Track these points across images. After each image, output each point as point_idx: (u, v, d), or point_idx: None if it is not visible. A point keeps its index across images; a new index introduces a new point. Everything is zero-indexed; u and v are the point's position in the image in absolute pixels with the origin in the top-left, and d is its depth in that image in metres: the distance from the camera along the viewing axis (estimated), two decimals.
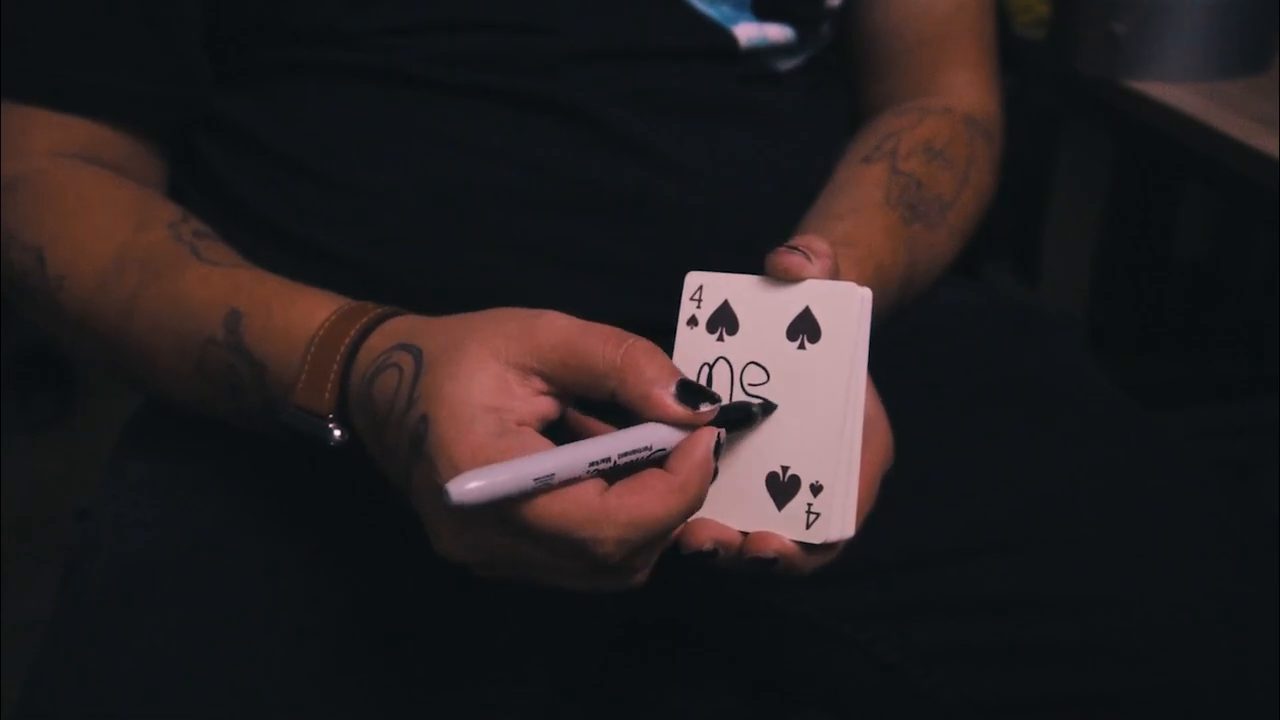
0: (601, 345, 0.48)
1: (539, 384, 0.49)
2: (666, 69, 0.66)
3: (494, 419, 0.47)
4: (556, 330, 0.49)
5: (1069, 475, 0.69)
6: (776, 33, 0.69)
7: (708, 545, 0.51)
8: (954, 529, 0.68)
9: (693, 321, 0.54)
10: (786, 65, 0.71)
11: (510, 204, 0.63)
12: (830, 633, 0.69)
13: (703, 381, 0.53)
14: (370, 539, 0.65)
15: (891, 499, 0.56)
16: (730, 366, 0.53)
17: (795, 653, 0.73)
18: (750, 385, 0.52)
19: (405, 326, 0.54)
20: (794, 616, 0.70)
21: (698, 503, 0.48)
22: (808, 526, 0.50)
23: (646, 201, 0.64)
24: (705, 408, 0.48)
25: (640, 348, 0.48)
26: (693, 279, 0.54)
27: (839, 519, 0.51)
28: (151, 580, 0.63)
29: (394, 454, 0.51)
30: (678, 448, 0.48)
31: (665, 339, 0.61)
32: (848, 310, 0.51)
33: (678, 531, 0.51)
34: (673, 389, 0.48)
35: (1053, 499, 0.68)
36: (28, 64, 0.66)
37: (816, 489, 0.50)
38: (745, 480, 0.52)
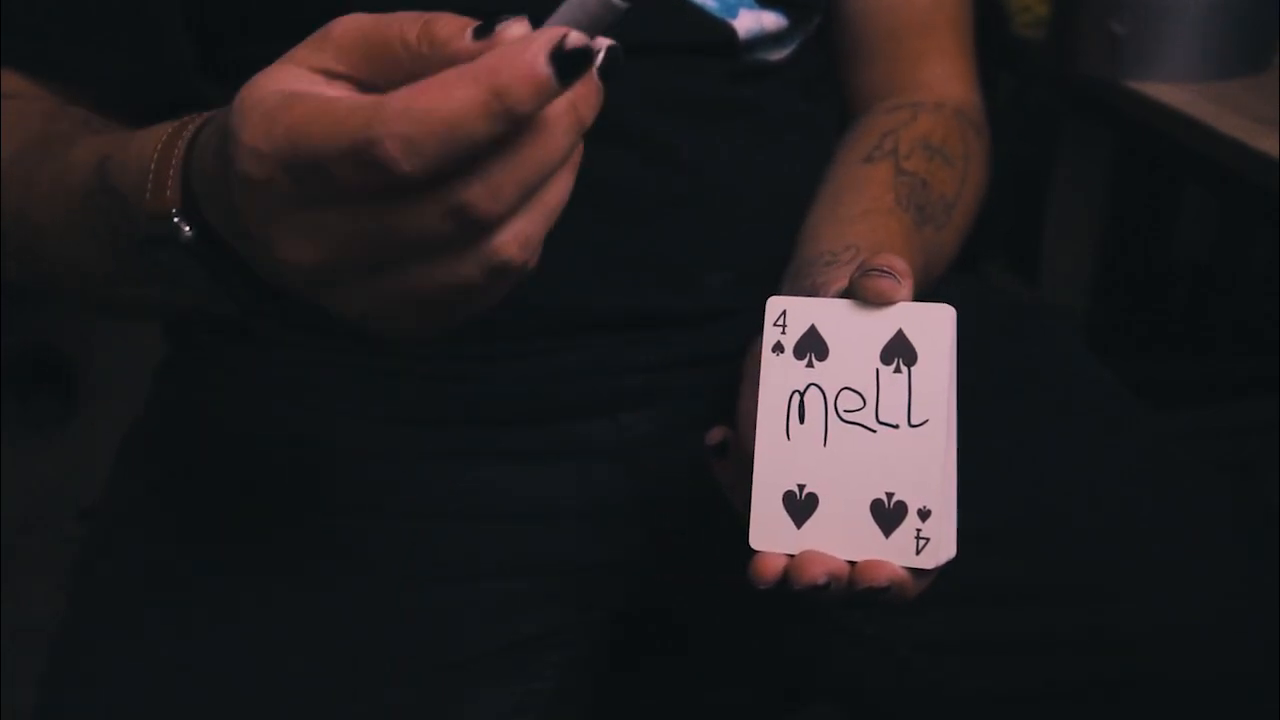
0: (400, 26, 0.39)
1: (346, 88, 0.41)
2: (665, 64, 0.66)
3: (284, 91, 0.40)
4: (353, 23, 0.41)
5: (1071, 469, 0.69)
6: (771, 21, 0.69)
7: (821, 580, 0.49)
8: (960, 520, 0.68)
9: (778, 348, 0.52)
10: (778, 55, 0.71)
11: None
12: (838, 624, 0.69)
13: (794, 409, 0.52)
14: (369, 543, 0.65)
15: None
16: (823, 393, 0.51)
17: (803, 645, 0.73)
18: (846, 411, 0.51)
19: None
20: (800, 610, 0.70)
21: (498, 100, 0.36)
22: (918, 552, 0.50)
23: (642, 195, 0.64)
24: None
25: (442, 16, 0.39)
26: (775, 304, 0.52)
27: (947, 541, 0.50)
28: (154, 590, 0.63)
29: (231, 208, 0.43)
30: None
31: (660, 332, 0.61)
32: (941, 331, 0.50)
33: (780, 564, 0.50)
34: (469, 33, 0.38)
35: (1053, 494, 0.69)
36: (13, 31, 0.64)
37: (925, 514, 0.50)
38: (849, 509, 0.51)
